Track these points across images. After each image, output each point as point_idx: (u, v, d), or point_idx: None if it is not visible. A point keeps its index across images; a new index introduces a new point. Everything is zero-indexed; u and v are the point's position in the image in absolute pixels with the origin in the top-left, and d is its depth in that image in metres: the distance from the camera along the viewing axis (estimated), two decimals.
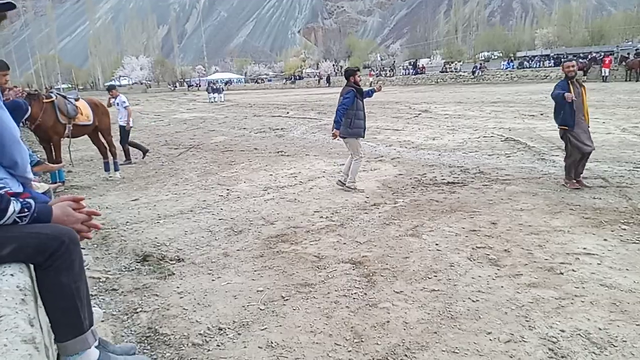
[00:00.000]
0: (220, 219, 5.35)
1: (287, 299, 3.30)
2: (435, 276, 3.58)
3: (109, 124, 8.11)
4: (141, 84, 72.89)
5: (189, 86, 71.42)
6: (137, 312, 3.21)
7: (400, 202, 5.75)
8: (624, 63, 29.23)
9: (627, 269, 3.49)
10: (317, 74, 65.91)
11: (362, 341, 2.74)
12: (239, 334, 2.88)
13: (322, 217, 5.30)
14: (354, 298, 3.29)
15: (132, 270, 3.98)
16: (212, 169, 8.54)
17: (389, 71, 55.34)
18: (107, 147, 8.09)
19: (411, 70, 51.46)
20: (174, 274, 3.85)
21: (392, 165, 8.09)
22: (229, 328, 2.94)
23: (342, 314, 3.07)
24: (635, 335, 2.63)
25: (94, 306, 2.13)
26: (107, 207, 6.09)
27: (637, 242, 4.01)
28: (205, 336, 2.87)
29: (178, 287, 3.59)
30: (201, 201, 6.21)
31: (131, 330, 2.98)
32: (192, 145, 11.85)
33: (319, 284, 3.54)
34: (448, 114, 15.75)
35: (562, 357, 2.48)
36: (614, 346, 2.55)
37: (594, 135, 9.50)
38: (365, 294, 3.35)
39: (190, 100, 37.57)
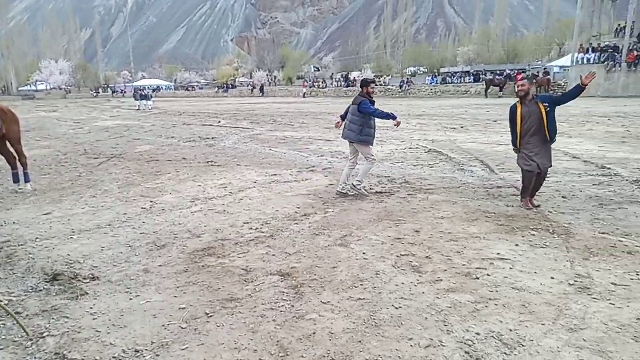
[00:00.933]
0: (141, 233, 5.08)
1: (211, 316, 3.19)
2: (362, 285, 3.64)
3: (18, 131, 7.45)
4: (60, 89, 68.03)
5: (113, 92, 67.88)
6: (44, 337, 2.94)
7: (330, 211, 5.81)
8: (534, 80, 31.92)
9: (535, 272, 3.76)
10: (251, 83, 65.43)
11: (287, 354, 2.71)
12: (157, 355, 2.73)
13: (251, 228, 5.21)
14: (281, 311, 3.25)
15: (40, 290, 3.65)
16: (135, 179, 8.13)
17: (322, 82, 56.23)
18: (17, 157, 7.43)
19: (343, 83, 52.65)
20: (87, 293, 3.59)
21: (323, 175, 8.17)
22: (146, 349, 2.78)
23: (268, 327, 3.02)
24: (541, 334, 2.83)
25: None
26: (14, 222, 5.57)
27: (544, 246, 4.34)
28: (119, 359, 2.69)
29: (91, 308, 3.35)
30: (121, 214, 5.87)
31: (35, 357, 2.73)
32: (114, 154, 11.23)
33: (246, 297, 3.46)
34: (377, 126, 16.23)
35: (477, 359, 2.60)
36: (523, 345, 2.72)
37: (500, 147, 10.31)
38: (293, 305, 3.33)
39: (114, 107, 35.70)
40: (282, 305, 3.32)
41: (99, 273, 3.98)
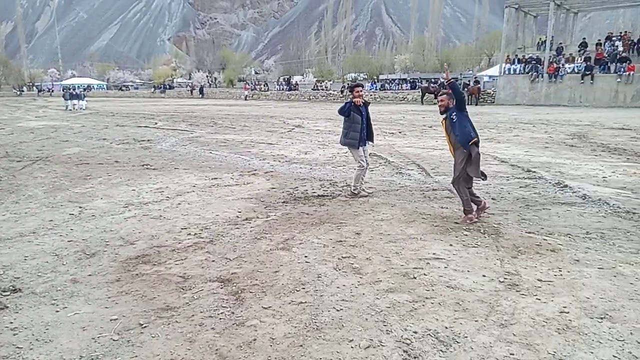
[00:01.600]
0: (69, 241, 4.76)
1: (145, 326, 3.04)
2: (304, 288, 3.62)
3: None
4: None
5: (39, 91, 63.39)
6: None
7: (273, 215, 5.76)
8: (466, 89, 33.65)
9: (468, 271, 3.94)
10: (190, 84, 63.70)
11: None
12: None
13: (189, 234, 5.04)
14: (220, 318, 3.16)
15: None
16: (63, 184, 7.61)
17: (264, 86, 55.88)
18: None
19: (285, 86, 52.67)
20: (7, 307, 3.30)
21: (265, 179, 8.09)
22: None
23: (207, 336, 2.92)
24: (474, 331, 2.96)
25: None
26: None
27: (476, 245, 4.56)
28: None
29: (12, 323, 3.08)
30: (47, 221, 5.47)
31: None
32: (39, 157, 10.46)
33: (183, 306, 3.34)
34: (319, 130, 16.39)
35: (415, 357, 2.67)
36: (457, 342, 2.83)
37: (435, 152, 10.79)
38: (233, 312, 3.25)
39: (40, 107, 33.34)
40: (221, 313, 3.24)
41: (22, 285, 3.68)
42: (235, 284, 3.71)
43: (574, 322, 3.04)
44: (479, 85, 33.55)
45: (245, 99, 46.15)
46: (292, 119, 21.80)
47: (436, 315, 3.16)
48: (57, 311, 3.25)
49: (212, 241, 4.79)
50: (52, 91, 63.20)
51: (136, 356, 2.70)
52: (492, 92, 33.56)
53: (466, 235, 4.87)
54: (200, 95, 52.49)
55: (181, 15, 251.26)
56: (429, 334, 2.92)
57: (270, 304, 3.37)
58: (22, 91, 62.25)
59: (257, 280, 3.79)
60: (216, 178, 8.07)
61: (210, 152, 11.15)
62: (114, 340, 2.87)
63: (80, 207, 6.12)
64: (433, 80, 42.07)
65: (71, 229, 5.17)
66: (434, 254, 4.33)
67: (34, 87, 68.01)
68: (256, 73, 78.23)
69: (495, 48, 53.59)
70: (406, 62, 57.50)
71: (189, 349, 2.77)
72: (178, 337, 2.91)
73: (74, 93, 31.33)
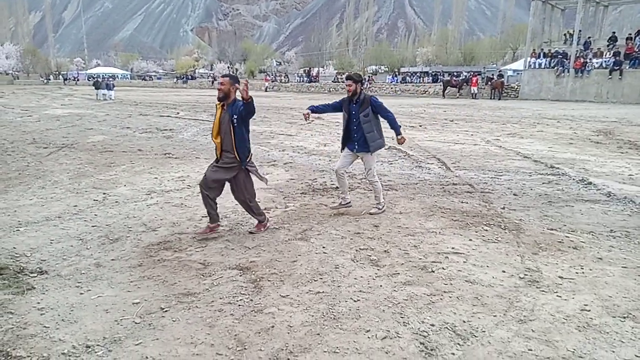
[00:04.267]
0: (93, 226, 4.88)
1: (166, 310, 3.11)
2: (321, 278, 3.65)
3: None
4: (7, 74, 64.16)
5: (65, 79, 64.76)
6: None
7: (291, 206, 5.79)
8: (489, 83, 33.07)
9: (487, 266, 3.90)
10: (211, 75, 64.16)
11: (245, 348, 2.68)
12: (109, 350, 2.63)
13: None
14: (239, 305, 3.21)
15: None
16: (88, 170, 7.79)
17: (284, 77, 55.92)
18: None
19: (305, 78, 52.57)
20: (34, 288, 3.41)
21: (284, 170, 8.13)
22: (98, 345, 2.68)
23: (226, 322, 2.98)
24: (493, 325, 2.94)
25: None
26: None
27: (496, 241, 4.51)
28: (69, 355, 2.58)
29: (39, 303, 3.19)
30: (72, 206, 5.62)
31: None
32: (65, 144, 10.71)
33: (203, 292, 3.40)
34: (339, 122, 16.31)
35: (432, 349, 2.67)
36: (475, 336, 2.81)
37: (456, 146, 10.63)
38: (252, 299, 3.30)
39: (66, 95, 34.06)
40: (240, 300, 3.29)
41: (48, 267, 3.80)
42: (253, 272, 3.75)
43: (595, 320, 2.99)
44: (503, 79, 32.93)
45: (266, 90, 46.30)
46: None
47: (454, 309, 3.14)
48: (82, 293, 3.35)
49: (231, 230, 4.85)
50: (78, 80, 64.50)
51: (157, 339, 2.76)
52: (516, 87, 32.88)
53: (486, 230, 4.82)
54: None
55: (204, 6, 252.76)
56: (447, 327, 2.91)
57: (288, 292, 3.41)
58: (49, 80, 63.67)
59: (275, 269, 3.83)
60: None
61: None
62: (136, 323, 2.94)
63: (104, 194, 6.26)
64: (455, 73, 41.44)
65: (95, 215, 5.30)
66: (453, 248, 4.30)
67: (60, 76, 69.46)
68: (278, 64, 78.26)
69: (520, 42, 52.39)
70: (428, 55, 56.64)
71: (208, 334, 2.83)
72: (198, 321, 2.97)
73: (106, 83, 31.08)
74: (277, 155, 9.62)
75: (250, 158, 4.69)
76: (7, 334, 2.77)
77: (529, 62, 31.45)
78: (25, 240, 4.42)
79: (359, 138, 5.35)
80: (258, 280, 3.61)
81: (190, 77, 65.83)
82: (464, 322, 2.98)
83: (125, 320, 2.97)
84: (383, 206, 5.52)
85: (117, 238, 4.54)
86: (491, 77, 34.25)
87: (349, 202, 5.62)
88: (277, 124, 15.73)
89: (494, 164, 8.68)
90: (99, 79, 33.23)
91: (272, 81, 52.08)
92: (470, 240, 4.53)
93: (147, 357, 2.57)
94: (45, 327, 2.88)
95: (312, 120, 5.56)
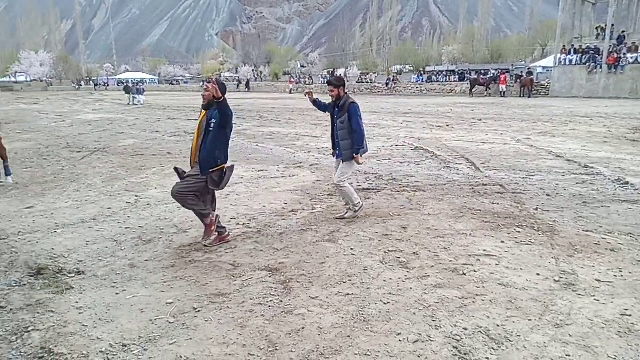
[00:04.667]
0: (127, 228, 5.01)
1: (199, 310, 3.16)
2: (350, 280, 3.64)
3: None
4: (41, 81, 66.51)
5: (95, 85, 66.64)
6: (29, 331, 2.89)
7: (318, 208, 5.81)
8: (518, 81, 32.36)
9: (521, 269, 3.81)
10: (237, 78, 64.97)
11: (276, 349, 2.70)
12: (145, 349, 2.70)
13: (238, 224, 5.18)
14: (269, 306, 3.24)
15: (24, 285, 3.58)
16: (120, 174, 8.00)
17: (308, 79, 56.10)
18: None
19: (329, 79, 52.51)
20: (72, 288, 3.53)
21: (310, 171, 8.16)
22: (134, 344, 2.74)
23: (257, 322, 3.00)
24: (528, 330, 2.87)
25: None
26: None
27: (530, 243, 4.41)
28: (107, 354, 2.65)
29: (77, 302, 3.29)
30: (106, 208, 5.78)
31: (20, 352, 2.67)
32: (97, 148, 11.03)
33: (234, 293, 3.44)
34: (365, 123, 16.26)
35: (465, 354, 2.63)
36: (510, 341, 2.75)
37: (485, 146, 10.43)
38: (281, 301, 3.32)
39: (96, 101, 35.05)
40: (270, 301, 3.31)
41: (85, 267, 3.92)
42: (283, 274, 3.78)
43: (637, 326, 2.88)
44: (532, 76, 32.16)
45: (290, 93, 46.54)
46: None
47: (487, 313, 3.08)
48: (117, 293, 3.44)
49: (259, 231, 4.90)
50: (108, 85, 66.28)
51: (191, 338, 2.81)
52: (546, 84, 32.07)
53: (519, 232, 4.71)
54: (247, 89, 53.38)
55: (228, 10, 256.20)
56: (480, 331, 2.86)
57: (317, 294, 3.41)
58: (80, 85, 65.60)
59: (304, 270, 3.85)
60: (263, 170, 8.22)
61: (257, 145, 11.35)
62: (170, 322, 3.00)
63: (136, 196, 6.41)
64: (483, 71, 40.70)
65: (128, 217, 5.44)
66: (484, 250, 4.22)
67: (91, 82, 71.51)
68: (302, 67, 78.61)
69: (549, 38, 51.06)
70: (454, 53, 55.86)
71: (240, 334, 2.86)
72: (230, 322, 3.01)
73: (137, 88, 31.20)
74: (303, 157, 9.65)
75: (219, 169, 4.43)
76: (49, 332, 2.87)
77: (559, 58, 30.64)
78: (62, 241, 4.57)
79: (338, 144, 5.29)
80: (287, 281, 3.63)
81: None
82: (498, 326, 2.92)
83: (159, 320, 3.03)
84: (359, 206, 5.25)
85: (150, 239, 4.64)
86: (520, 74, 33.51)
87: (361, 204, 5.33)
88: (302, 125, 15.79)
89: (525, 163, 8.48)
90: (129, 84, 33.87)
91: (297, 83, 52.31)
92: (503, 242, 4.44)
93: (181, 357, 2.62)
94: (84, 325, 2.97)
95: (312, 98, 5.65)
